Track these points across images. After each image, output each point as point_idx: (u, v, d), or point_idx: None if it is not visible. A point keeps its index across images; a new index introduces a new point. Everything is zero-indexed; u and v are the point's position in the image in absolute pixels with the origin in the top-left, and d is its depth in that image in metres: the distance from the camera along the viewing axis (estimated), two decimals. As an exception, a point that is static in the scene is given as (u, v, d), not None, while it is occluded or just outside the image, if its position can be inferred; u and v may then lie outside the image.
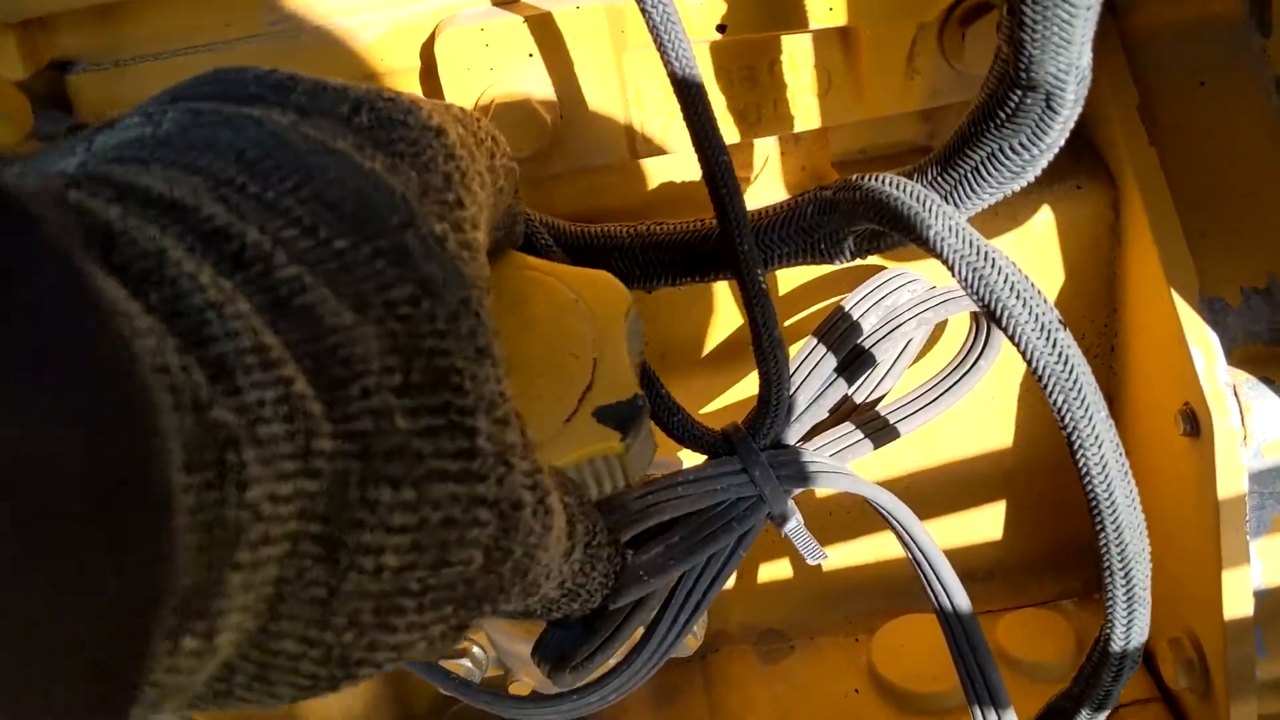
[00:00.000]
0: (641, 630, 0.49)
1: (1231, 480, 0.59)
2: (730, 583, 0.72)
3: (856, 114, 0.62)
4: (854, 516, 0.75)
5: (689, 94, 0.50)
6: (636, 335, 0.46)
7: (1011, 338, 0.44)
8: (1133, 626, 0.48)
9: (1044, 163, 0.47)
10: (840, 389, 0.56)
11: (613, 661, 0.48)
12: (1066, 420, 0.44)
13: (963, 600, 0.55)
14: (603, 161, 0.61)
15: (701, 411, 0.69)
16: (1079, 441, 0.44)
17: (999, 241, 0.65)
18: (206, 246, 0.26)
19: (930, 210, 0.46)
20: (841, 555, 0.77)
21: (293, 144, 0.29)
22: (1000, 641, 0.75)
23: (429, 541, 0.28)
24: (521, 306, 0.45)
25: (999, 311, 0.44)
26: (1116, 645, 0.49)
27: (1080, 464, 0.45)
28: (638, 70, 0.59)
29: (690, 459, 0.59)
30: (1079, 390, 0.44)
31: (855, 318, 0.57)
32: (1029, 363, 0.44)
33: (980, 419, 0.72)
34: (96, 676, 0.19)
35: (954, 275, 0.45)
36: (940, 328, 0.65)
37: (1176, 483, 0.63)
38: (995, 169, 0.48)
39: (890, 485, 0.72)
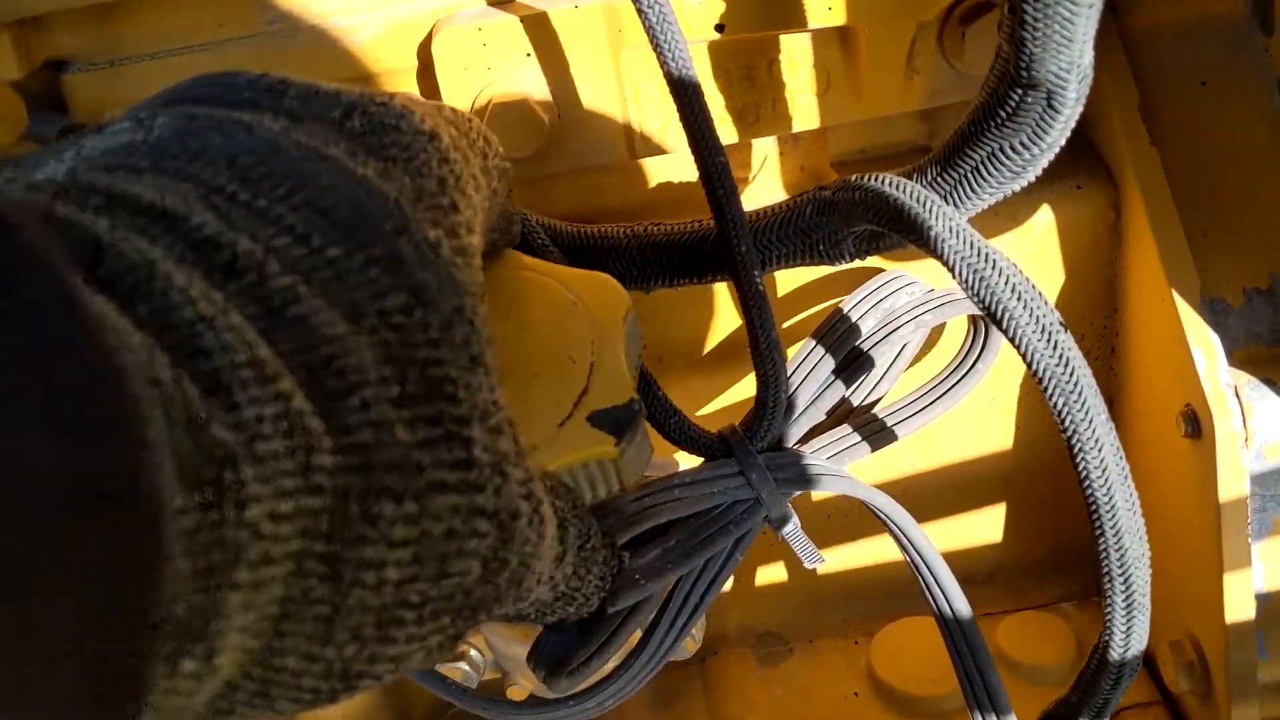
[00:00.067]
0: (638, 634, 0.49)
1: (1233, 482, 0.59)
2: (728, 585, 0.72)
3: (855, 114, 0.62)
4: (852, 519, 0.75)
5: (685, 95, 0.49)
6: (635, 338, 0.45)
7: (1012, 340, 0.44)
8: (1132, 633, 0.48)
9: (1045, 163, 0.47)
10: (838, 391, 0.56)
11: (610, 665, 0.48)
12: (1067, 423, 0.44)
13: (961, 603, 0.55)
14: (601, 161, 0.61)
15: (699, 413, 0.69)
16: (1079, 445, 0.44)
17: (999, 241, 0.65)
18: (197, 256, 0.26)
19: (930, 211, 0.46)
20: (840, 557, 0.77)
21: (284, 150, 0.29)
22: (1000, 644, 0.74)
23: (429, 554, 0.27)
24: (518, 307, 0.45)
25: (999, 313, 0.43)
26: (1115, 652, 0.49)
27: (1080, 468, 0.44)
28: (635, 70, 0.59)
29: (687, 460, 0.59)
30: (1080, 393, 0.43)
31: (853, 320, 0.57)
32: (1029, 365, 0.44)
33: (980, 420, 0.72)
34: (91, 702, 0.19)
35: (954, 277, 0.44)
36: (938, 330, 0.65)
37: (1177, 485, 0.63)
38: (995, 169, 0.48)
39: (889, 487, 0.72)
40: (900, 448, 0.60)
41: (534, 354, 0.43)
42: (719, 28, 0.57)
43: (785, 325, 0.67)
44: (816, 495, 0.74)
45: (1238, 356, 0.60)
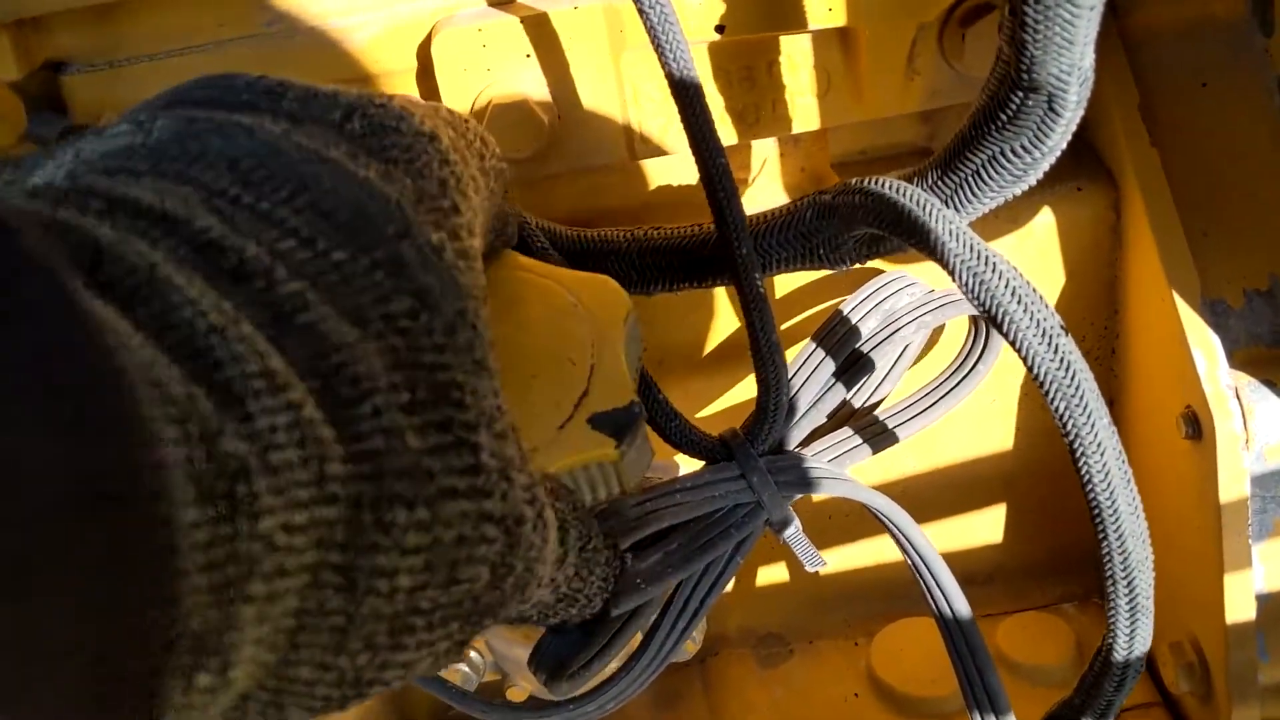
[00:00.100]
0: (639, 637, 0.49)
1: (1234, 484, 0.59)
2: (729, 586, 0.72)
3: (856, 115, 0.62)
4: (853, 520, 0.75)
5: (687, 97, 0.49)
6: (635, 340, 0.45)
7: (1013, 343, 0.44)
8: (1135, 636, 0.48)
9: (1045, 166, 0.47)
10: (839, 393, 0.56)
11: (611, 668, 0.48)
12: (1069, 427, 0.44)
13: (962, 605, 0.55)
14: (601, 162, 0.61)
15: (699, 415, 0.69)
16: (1081, 449, 0.44)
17: (999, 243, 0.65)
18: (202, 260, 0.25)
19: (931, 214, 0.45)
20: (841, 558, 0.77)
21: (285, 153, 0.29)
22: (1000, 645, 0.74)
23: (440, 560, 0.27)
24: (517, 308, 0.45)
25: (1000, 317, 0.43)
26: (1119, 655, 0.49)
27: (1082, 471, 0.44)
28: (636, 71, 0.59)
29: (687, 463, 0.59)
30: (1081, 397, 0.43)
31: (854, 321, 0.56)
32: (1030, 369, 0.44)
33: (980, 421, 0.72)
34: (91, 702, 0.19)
35: (955, 280, 0.44)
36: (938, 331, 0.65)
37: (1178, 486, 0.63)
38: (996, 172, 0.47)
39: (889, 487, 0.72)
40: (901, 448, 0.60)
41: (534, 356, 0.43)
42: (719, 28, 0.57)
43: (786, 326, 0.67)
44: (817, 496, 0.74)
45: (1238, 358, 0.60)
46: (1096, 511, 0.45)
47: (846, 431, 0.57)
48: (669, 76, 0.50)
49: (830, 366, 0.56)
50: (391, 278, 0.28)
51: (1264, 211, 0.62)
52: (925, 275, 0.61)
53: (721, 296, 0.66)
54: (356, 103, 0.33)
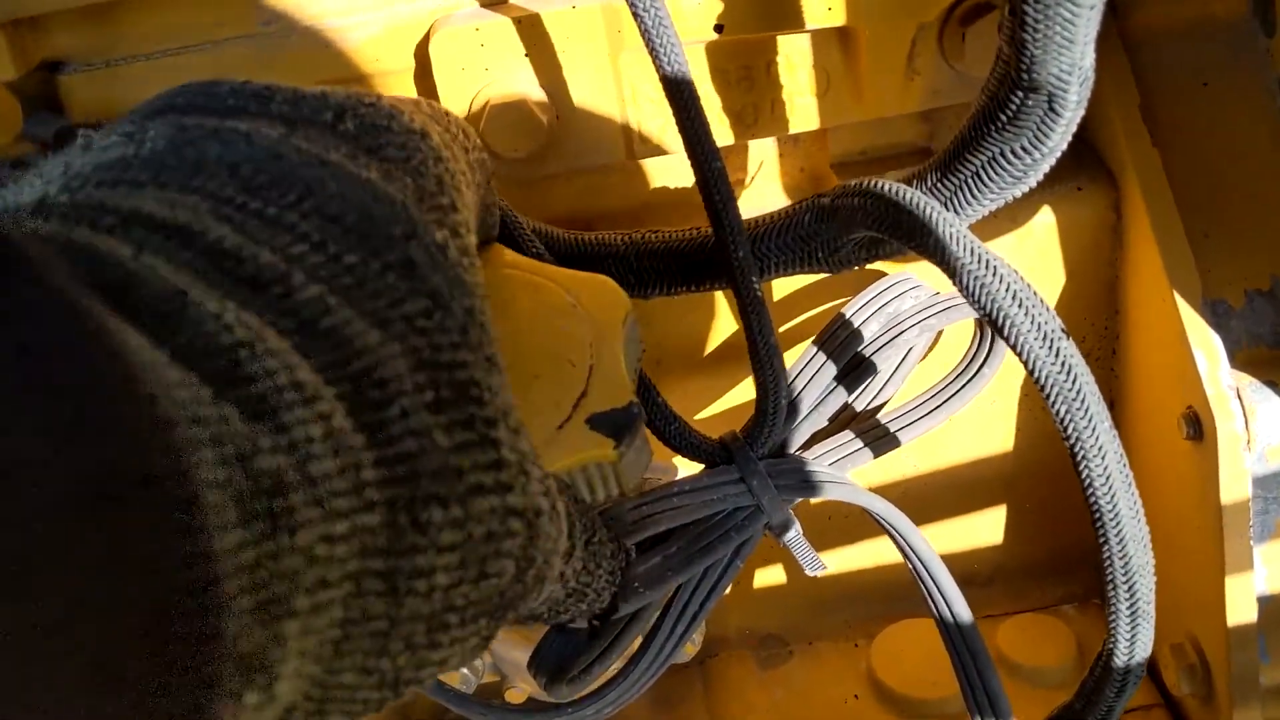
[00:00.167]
0: (638, 640, 0.49)
1: (1235, 485, 0.58)
2: (728, 587, 0.72)
3: (855, 115, 0.61)
4: (853, 521, 0.75)
5: (682, 100, 0.49)
6: (635, 341, 0.45)
7: (1014, 347, 0.43)
8: (1136, 640, 0.48)
9: (1046, 167, 0.47)
10: (840, 397, 0.56)
11: (611, 671, 0.48)
12: (1069, 431, 0.44)
13: (962, 607, 0.55)
14: (600, 162, 0.61)
15: (699, 417, 0.69)
16: (1082, 452, 0.44)
17: (999, 244, 0.65)
18: (219, 271, 0.25)
19: (930, 217, 0.45)
20: (841, 560, 0.76)
21: (286, 157, 0.29)
22: (1001, 646, 0.74)
23: (472, 556, 0.28)
24: (512, 308, 0.45)
25: (1001, 320, 0.43)
26: (1120, 659, 0.48)
27: (1083, 475, 0.44)
28: (634, 71, 0.58)
29: (686, 465, 0.59)
30: (1082, 400, 0.43)
31: (856, 325, 0.56)
32: (1031, 372, 0.44)
33: (981, 423, 0.71)
34: (91, 702, 0.19)
35: (955, 284, 0.44)
36: (942, 333, 0.64)
37: (1179, 487, 0.63)
38: (997, 174, 0.47)
39: (890, 489, 0.72)
40: (901, 449, 0.59)
41: (533, 356, 0.43)
42: (718, 28, 0.57)
43: (787, 329, 0.66)
44: (816, 499, 0.73)
45: (1239, 358, 0.60)
46: (1097, 515, 0.45)
47: (848, 435, 0.57)
48: (664, 80, 0.49)
49: (832, 370, 0.55)
50: (404, 279, 0.28)
51: (1265, 212, 0.62)
52: (925, 276, 0.60)
53: (720, 297, 0.66)
54: (346, 103, 0.32)
